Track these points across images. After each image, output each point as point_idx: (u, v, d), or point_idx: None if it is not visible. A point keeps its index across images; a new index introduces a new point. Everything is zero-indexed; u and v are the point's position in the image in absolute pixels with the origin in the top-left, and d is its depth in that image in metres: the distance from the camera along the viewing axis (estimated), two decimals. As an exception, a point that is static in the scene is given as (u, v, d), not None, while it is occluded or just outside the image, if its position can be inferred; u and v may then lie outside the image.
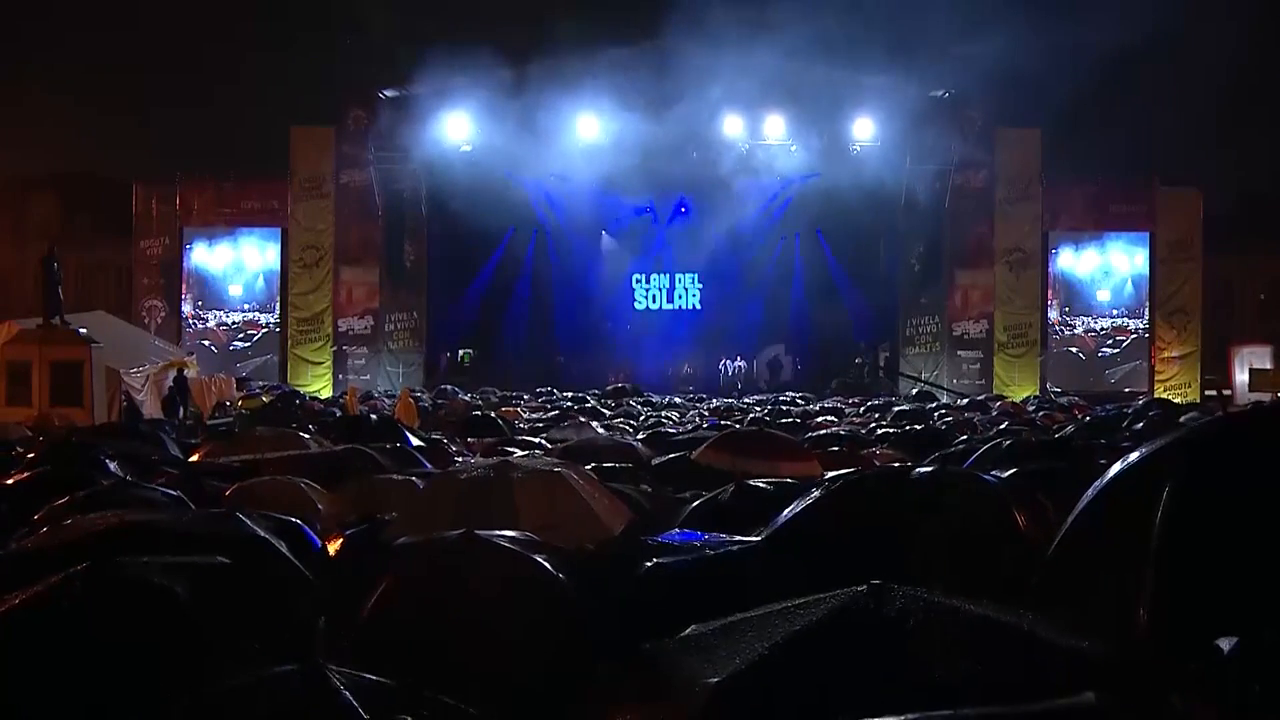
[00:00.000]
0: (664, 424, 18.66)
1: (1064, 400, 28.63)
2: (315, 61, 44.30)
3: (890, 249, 37.18)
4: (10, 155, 37.80)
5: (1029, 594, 3.33)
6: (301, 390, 30.71)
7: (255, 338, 35.47)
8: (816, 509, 4.62)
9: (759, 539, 4.47)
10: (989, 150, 34.34)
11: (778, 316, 38.51)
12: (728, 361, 37.56)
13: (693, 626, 2.92)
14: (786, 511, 4.68)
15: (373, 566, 4.19)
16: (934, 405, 25.72)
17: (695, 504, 6.21)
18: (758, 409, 23.51)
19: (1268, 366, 31.39)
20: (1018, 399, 29.34)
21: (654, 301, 39.41)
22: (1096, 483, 3.39)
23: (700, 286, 39.06)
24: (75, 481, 6.80)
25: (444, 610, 3.80)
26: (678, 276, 39.13)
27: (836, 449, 12.00)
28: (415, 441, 12.09)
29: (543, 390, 30.65)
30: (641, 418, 21.12)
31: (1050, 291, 35.30)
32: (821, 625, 2.61)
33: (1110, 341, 35.35)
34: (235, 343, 35.34)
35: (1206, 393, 32.39)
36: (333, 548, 4.88)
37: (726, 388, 35.58)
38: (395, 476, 7.78)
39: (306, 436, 11.57)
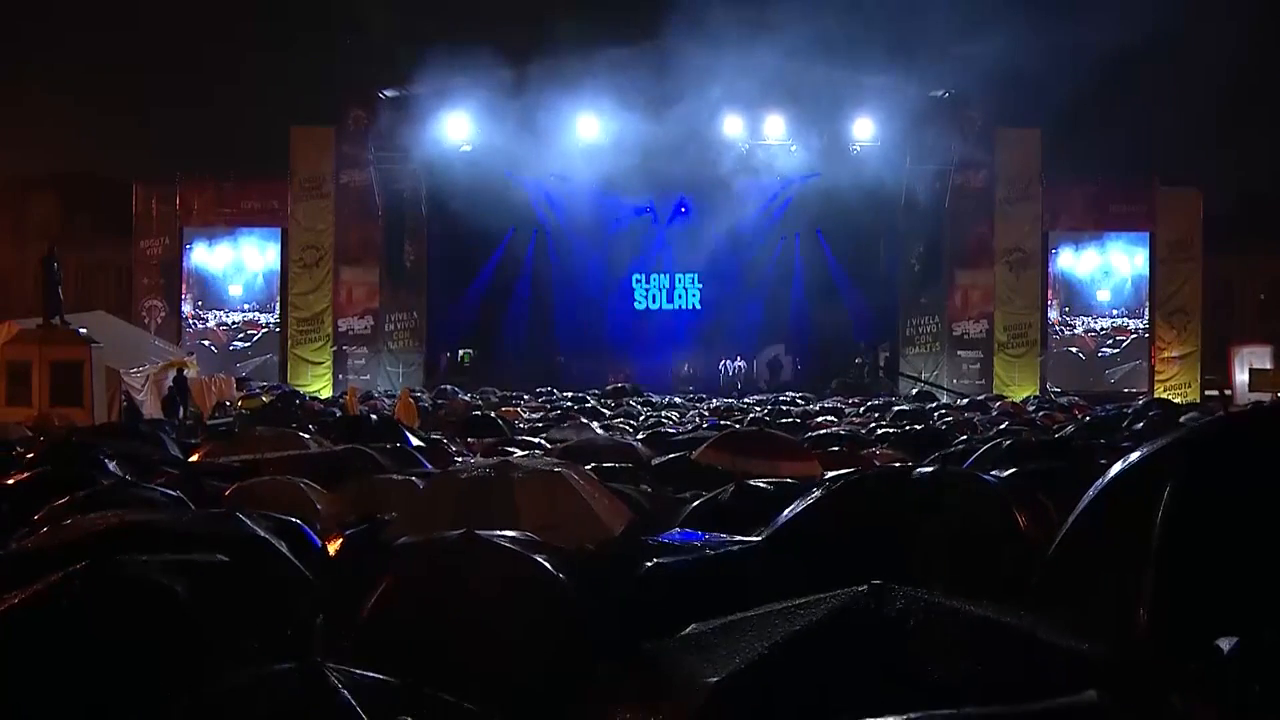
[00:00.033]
0: (664, 424, 18.66)
1: (1064, 400, 28.62)
2: (315, 61, 44.31)
3: (890, 249, 37.18)
4: (10, 155, 37.84)
5: (1029, 594, 3.33)
6: (301, 390, 30.71)
7: (255, 338, 35.47)
8: (817, 509, 4.62)
9: (759, 539, 4.47)
10: (989, 150, 34.34)
11: (778, 316, 38.50)
12: (728, 361, 37.55)
13: (693, 626, 2.92)
14: (787, 511, 4.68)
15: (373, 566, 4.19)
16: (934, 405, 25.72)
17: (695, 504, 6.21)
18: (758, 409, 23.50)
19: (1268, 366, 31.39)
20: (1018, 399, 29.34)
21: (654, 301, 39.41)
22: (1097, 483, 3.40)
23: (700, 286, 39.05)
24: (75, 481, 6.80)
25: (444, 610, 3.80)
26: (678, 276, 39.12)
27: (836, 449, 12.00)
28: (415, 441, 12.09)
29: (543, 390, 30.64)
30: (641, 418, 21.12)
31: (1050, 291, 35.30)
32: (822, 625, 2.61)
33: (1110, 341, 35.36)
34: (235, 343, 35.34)
35: (1207, 393, 32.38)
36: (333, 548, 4.88)
37: (726, 388, 35.57)
38: (395, 476, 7.77)
39: (306, 436, 11.58)
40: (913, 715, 2.06)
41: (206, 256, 35.54)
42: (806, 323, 38.39)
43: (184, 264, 35.38)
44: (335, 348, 34.80)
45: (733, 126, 33.53)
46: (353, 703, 2.46)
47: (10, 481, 7.60)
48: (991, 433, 14.80)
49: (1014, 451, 8.72)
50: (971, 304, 34.92)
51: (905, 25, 30.54)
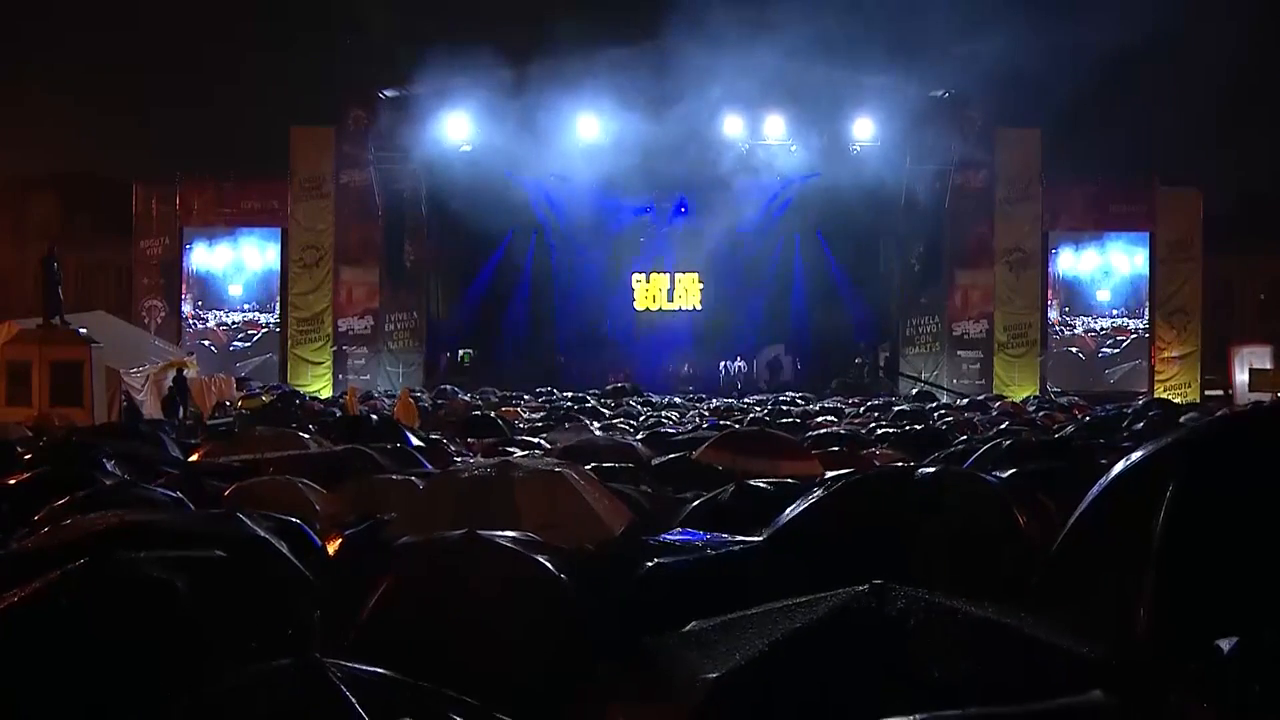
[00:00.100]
0: (664, 424, 18.65)
1: (1064, 400, 28.61)
2: (315, 61, 44.44)
3: (890, 249, 37.18)
4: (10, 155, 37.86)
5: (1029, 594, 3.34)
6: (301, 390, 30.70)
7: (255, 338, 35.46)
8: (818, 509, 4.62)
9: (760, 539, 4.46)
10: (989, 150, 34.33)
11: (778, 316, 38.50)
12: (728, 362, 37.55)
13: (693, 623, 2.92)
14: (787, 511, 4.68)
15: (373, 566, 4.19)
16: (934, 405, 25.73)
17: (695, 504, 6.22)
18: (758, 409, 23.49)
19: (1268, 366, 31.36)
20: (1018, 399, 29.34)
21: (654, 301, 39.41)
22: (1098, 483, 3.40)
23: (700, 286, 39.06)
24: (75, 481, 6.80)
25: (444, 610, 3.80)
26: (678, 276, 39.14)
27: (836, 449, 12.00)
28: (415, 441, 12.10)
29: (543, 390, 30.62)
30: (641, 418, 21.11)
31: (1050, 291, 35.28)
32: (822, 624, 2.61)
33: (1110, 341, 35.34)
34: (235, 343, 35.33)
35: (1207, 393, 32.38)
36: (333, 547, 4.88)
37: (726, 388, 35.56)
38: (395, 476, 7.78)
39: (306, 436, 11.59)
40: (913, 715, 2.06)
41: (206, 256, 35.53)
42: (806, 322, 38.40)
43: (184, 264, 35.36)
44: (335, 348, 34.79)
45: (733, 126, 33.51)
46: (352, 699, 2.46)
47: (10, 481, 7.60)
48: (991, 433, 14.79)
49: (1014, 452, 8.73)
50: (971, 304, 34.91)
51: (905, 25, 30.59)
